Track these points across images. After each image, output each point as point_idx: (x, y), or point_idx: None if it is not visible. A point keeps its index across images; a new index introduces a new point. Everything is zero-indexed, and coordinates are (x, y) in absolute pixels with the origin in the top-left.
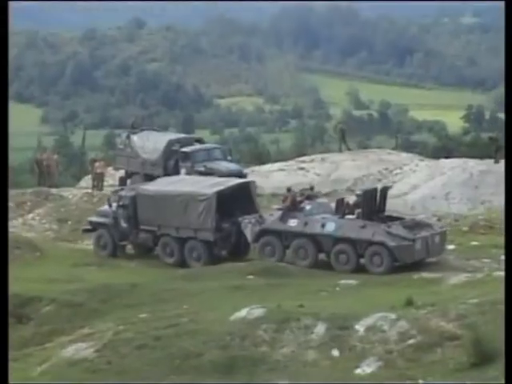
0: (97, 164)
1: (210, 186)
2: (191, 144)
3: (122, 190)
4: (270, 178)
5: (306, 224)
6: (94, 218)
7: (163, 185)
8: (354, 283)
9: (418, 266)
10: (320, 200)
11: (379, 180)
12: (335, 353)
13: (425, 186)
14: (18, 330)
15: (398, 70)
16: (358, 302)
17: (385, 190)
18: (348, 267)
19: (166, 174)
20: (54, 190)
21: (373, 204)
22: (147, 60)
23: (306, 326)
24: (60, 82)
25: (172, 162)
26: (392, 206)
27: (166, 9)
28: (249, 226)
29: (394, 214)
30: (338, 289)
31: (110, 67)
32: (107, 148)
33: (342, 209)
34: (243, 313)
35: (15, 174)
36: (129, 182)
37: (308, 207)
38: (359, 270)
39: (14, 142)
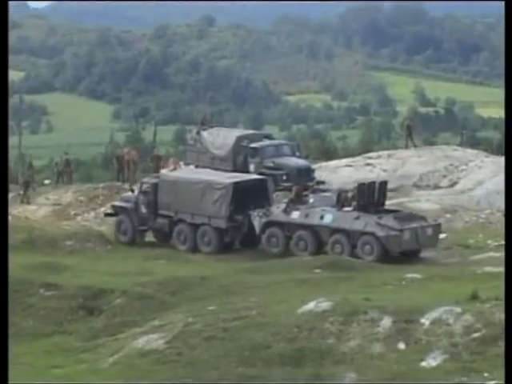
0: (166, 161)
1: (228, 177)
2: (260, 140)
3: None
4: (338, 173)
5: (306, 216)
6: (117, 203)
7: (185, 173)
8: (419, 277)
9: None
10: (324, 193)
11: (444, 176)
12: (401, 346)
13: (490, 182)
14: (89, 322)
15: (464, 68)
16: (423, 295)
17: (383, 184)
18: (342, 256)
19: (235, 170)
20: (126, 185)
21: (370, 197)
22: (217, 57)
23: (373, 319)
24: (132, 78)
25: (241, 157)
26: (458, 201)
27: (235, 7)
28: (257, 218)
29: (393, 208)
30: (403, 282)
31: (181, 64)
32: (177, 143)
33: (341, 201)
34: (311, 306)
35: (87, 169)
36: None
37: (311, 200)
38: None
39: (85, 137)
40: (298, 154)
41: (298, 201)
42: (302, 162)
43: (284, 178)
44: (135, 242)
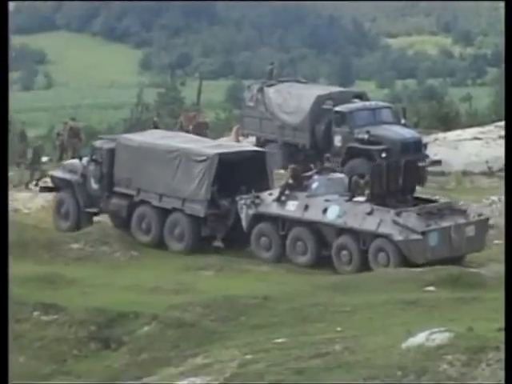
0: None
1: (212, 146)
2: (349, 101)
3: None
4: (461, 149)
5: (306, 208)
6: (57, 173)
7: (153, 137)
8: None
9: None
10: (334, 175)
11: None
12: None
13: None
14: (104, 359)
15: None
16: None
17: (411, 163)
18: (350, 268)
19: (314, 142)
20: None
21: (390, 183)
22: None
23: None
24: (166, 12)
25: (322, 125)
26: None
27: None
28: (244, 208)
29: (425, 196)
30: None
31: None
32: (231, 105)
33: (354, 187)
34: (420, 338)
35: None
36: None
37: (314, 185)
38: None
39: (101, 96)
40: (403, 121)
41: (296, 186)
42: (409, 134)
43: (383, 155)
44: (79, 228)
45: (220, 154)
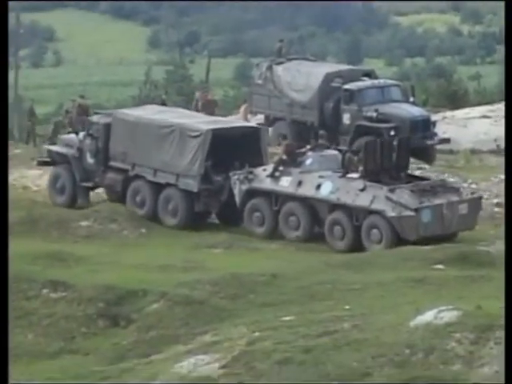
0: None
1: (207, 122)
2: (358, 79)
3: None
4: (469, 127)
5: (299, 184)
6: (54, 147)
7: (149, 112)
8: None
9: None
10: (328, 151)
11: None
12: None
13: None
14: (113, 336)
15: None
16: None
17: (404, 141)
18: (343, 244)
19: (323, 120)
20: None
21: (384, 159)
22: None
23: None
24: None
25: (331, 103)
26: None
27: None
28: (237, 184)
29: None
30: None
31: None
32: (239, 83)
33: (347, 164)
34: (428, 316)
35: None
36: (270, 131)
37: (308, 161)
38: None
39: (109, 73)
40: (412, 99)
41: (290, 162)
42: (417, 112)
43: (392, 133)
44: (75, 202)
45: (213, 130)
